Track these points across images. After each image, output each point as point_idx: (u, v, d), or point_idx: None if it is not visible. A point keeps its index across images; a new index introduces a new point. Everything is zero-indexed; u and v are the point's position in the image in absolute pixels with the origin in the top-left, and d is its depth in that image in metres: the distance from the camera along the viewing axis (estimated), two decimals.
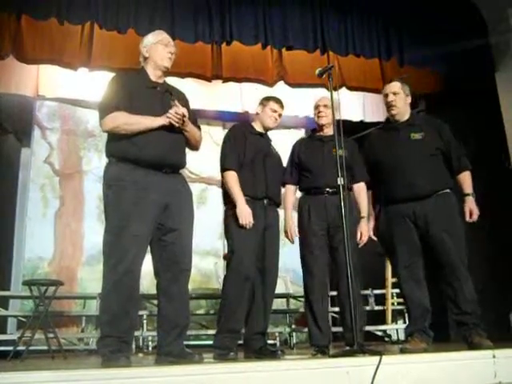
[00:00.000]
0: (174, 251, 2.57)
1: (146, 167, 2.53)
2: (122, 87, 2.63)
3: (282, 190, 3.51)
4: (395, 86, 3.26)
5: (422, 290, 3.08)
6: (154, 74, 2.76)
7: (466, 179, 3.15)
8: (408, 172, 3.07)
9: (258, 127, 3.42)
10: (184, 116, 2.59)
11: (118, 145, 2.57)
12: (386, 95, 3.26)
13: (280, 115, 3.45)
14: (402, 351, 2.88)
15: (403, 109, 3.25)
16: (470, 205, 3.07)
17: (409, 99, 3.29)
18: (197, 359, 2.49)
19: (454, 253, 2.98)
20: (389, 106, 3.25)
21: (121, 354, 2.37)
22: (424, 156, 3.11)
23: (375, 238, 3.28)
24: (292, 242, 3.43)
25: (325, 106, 3.41)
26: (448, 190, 3.12)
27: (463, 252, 3.01)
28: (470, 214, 3.06)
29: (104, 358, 2.37)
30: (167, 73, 2.84)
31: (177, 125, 2.59)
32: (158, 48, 2.75)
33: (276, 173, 3.39)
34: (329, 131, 3.44)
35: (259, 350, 3.14)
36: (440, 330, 3.13)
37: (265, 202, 3.25)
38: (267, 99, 3.46)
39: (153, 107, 2.62)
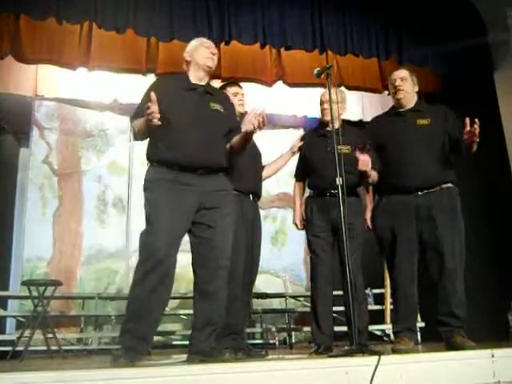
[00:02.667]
0: (210, 248, 2.56)
1: (179, 170, 2.54)
2: (156, 92, 2.56)
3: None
4: (403, 72, 3.23)
5: (414, 288, 3.02)
6: (195, 76, 2.77)
7: None
8: (413, 161, 2.98)
9: None
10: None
11: (152, 148, 2.62)
12: (394, 80, 3.19)
13: (243, 95, 3.44)
14: (395, 351, 2.84)
15: (410, 94, 3.17)
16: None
17: (416, 88, 3.22)
18: (226, 358, 2.49)
19: (452, 253, 2.92)
20: (396, 91, 3.17)
21: (136, 352, 2.35)
22: (430, 144, 3.02)
23: (370, 227, 3.26)
24: (302, 229, 3.47)
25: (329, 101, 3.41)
26: (451, 185, 3.03)
27: (462, 253, 2.96)
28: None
29: (113, 357, 2.35)
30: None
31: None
32: (199, 50, 2.80)
33: (259, 165, 3.39)
34: (335, 126, 3.41)
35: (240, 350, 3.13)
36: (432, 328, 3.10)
37: (251, 197, 3.25)
38: (223, 88, 3.40)
39: (187, 109, 2.62)
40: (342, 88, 3.49)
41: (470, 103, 5.06)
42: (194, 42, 2.88)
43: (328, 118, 3.37)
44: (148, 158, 2.65)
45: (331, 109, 2.86)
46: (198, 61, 2.77)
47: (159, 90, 2.61)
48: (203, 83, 2.79)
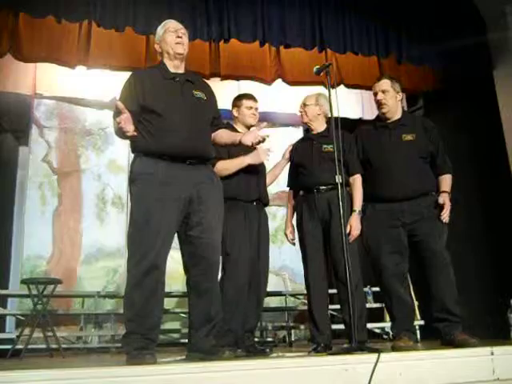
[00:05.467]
0: (201, 246, 2.54)
1: (168, 160, 2.50)
2: (135, 86, 2.57)
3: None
4: (384, 83, 3.24)
5: (406, 290, 3.11)
6: (171, 65, 2.71)
7: (447, 180, 3.18)
8: (398, 173, 3.08)
9: (241, 128, 3.39)
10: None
11: (140, 139, 2.53)
12: (376, 93, 3.24)
13: (257, 109, 3.45)
14: (395, 349, 2.86)
15: (394, 107, 3.23)
16: (446, 200, 3.06)
17: (399, 96, 3.27)
18: (226, 356, 2.48)
19: (441, 251, 3.00)
20: (379, 105, 3.23)
21: (146, 351, 2.33)
22: (414, 157, 3.13)
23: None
24: (293, 244, 3.51)
25: (304, 105, 3.46)
26: (434, 194, 3.13)
27: (446, 251, 3.03)
28: (442, 209, 3.04)
29: (128, 356, 2.34)
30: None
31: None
32: (166, 38, 2.71)
33: (263, 174, 3.41)
34: (318, 128, 3.45)
35: (248, 348, 3.14)
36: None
37: (255, 204, 3.27)
38: (239, 98, 3.47)
39: (172, 98, 2.58)
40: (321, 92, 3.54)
41: (469, 101, 5.08)
42: (159, 30, 2.77)
43: (304, 120, 3.46)
44: (134, 150, 2.58)
45: (331, 107, 2.85)
46: (168, 50, 2.70)
47: (139, 84, 2.58)
48: (181, 71, 2.74)
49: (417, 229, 3.06)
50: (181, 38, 2.71)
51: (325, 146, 3.30)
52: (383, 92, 3.21)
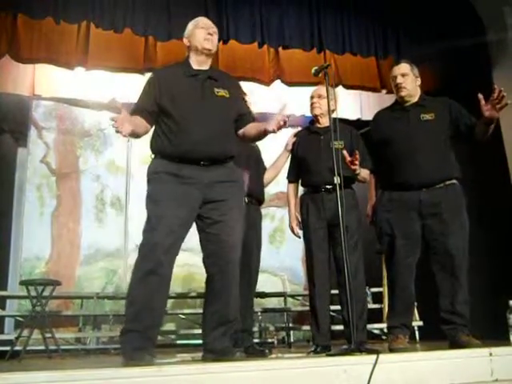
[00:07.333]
0: (219, 244, 2.50)
1: (181, 162, 2.48)
2: (154, 86, 2.58)
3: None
4: (404, 67, 3.14)
5: (412, 283, 3.00)
6: (196, 61, 2.68)
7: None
8: (417, 155, 2.94)
9: None
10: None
11: (154, 140, 2.57)
12: (395, 77, 3.13)
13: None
14: (393, 351, 2.82)
15: (413, 90, 3.12)
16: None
17: (419, 81, 3.17)
18: (238, 356, 2.47)
19: (459, 251, 2.89)
20: (398, 88, 3.12)
21: (144, 351, 2.30)
22: (435, 139, 2.99)
23: (371, 220, 3.19)
24: (298, 237, 3.45)
25: (319, 96, 3.38)
26: (456, 182, 3.01)
27: (466, 251, 2.92)
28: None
29: (126, 356, 2.31)
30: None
31: None
32: (195, 33, 2.69)
33: (257, 168, 3.36)
34: (326, 122, 3.36)
35: (247, 348, 3.14)
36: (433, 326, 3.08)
37: (246, 199, 3.18)
38: None
39: (189, 98, 2.55)
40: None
41: (468, 102, 5.07)
42: (190, 25, 2.76)
43: (317, 112, 3.39)
44: (151, 150, 2.60)
45: (329, 107, 2.83)
46: (196, 45, 2.67)
47: (158, 84, 2.58)
48: (206, 67, 2.70)
49: (433, 225, 2.94)
50: (211, 35, 2.70)
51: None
52: (403, 75, 3.11)
